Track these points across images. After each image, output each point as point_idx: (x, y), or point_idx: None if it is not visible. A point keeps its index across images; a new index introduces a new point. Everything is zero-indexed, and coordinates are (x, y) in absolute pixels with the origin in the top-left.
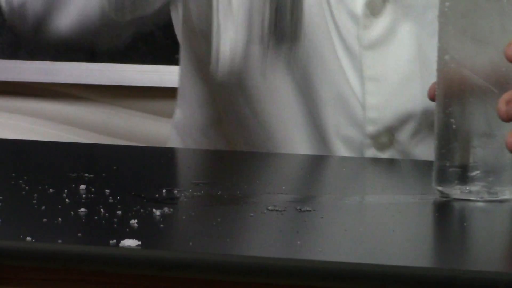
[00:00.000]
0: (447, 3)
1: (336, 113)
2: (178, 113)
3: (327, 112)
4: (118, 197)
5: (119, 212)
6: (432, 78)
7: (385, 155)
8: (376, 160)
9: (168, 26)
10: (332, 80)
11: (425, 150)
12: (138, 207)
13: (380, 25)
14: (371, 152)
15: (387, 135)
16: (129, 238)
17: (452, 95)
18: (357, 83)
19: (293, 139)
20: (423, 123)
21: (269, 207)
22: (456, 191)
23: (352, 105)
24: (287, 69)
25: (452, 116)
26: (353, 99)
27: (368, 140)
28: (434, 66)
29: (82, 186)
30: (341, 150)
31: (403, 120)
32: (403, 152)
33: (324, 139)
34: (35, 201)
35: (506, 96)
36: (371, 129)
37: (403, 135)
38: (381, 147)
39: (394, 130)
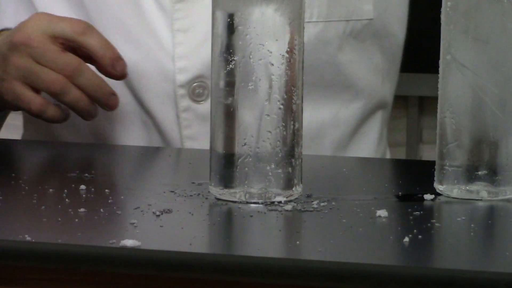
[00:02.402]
0: (449, 3)
1: (147, 70)
2: None
3: (138, 70)
4: (118, 197)
5: (119, 212)
6: None
7: (202, 106)
8: (375, 160)
9: None
10: (141, 38)
11: None
12: (138, 207)
13: None
14: (186, 103)
15: (201, 86)
16: (129, 238)
17: (452, 95)
18: (168, 37)
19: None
20: None
21: (269, 208)
22: (456, 191)
23: (162, 59)
24: None
25: (453, 116)
26: (162, 54)
27: (181, 91)
28: None
29: (82, 186)
30: (156, 104)
31: None
32: None
33: (141, 99)
34: (35, 201)
35: None
36: (181, 77)
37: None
38: (196, 97)
39: (206, 79)
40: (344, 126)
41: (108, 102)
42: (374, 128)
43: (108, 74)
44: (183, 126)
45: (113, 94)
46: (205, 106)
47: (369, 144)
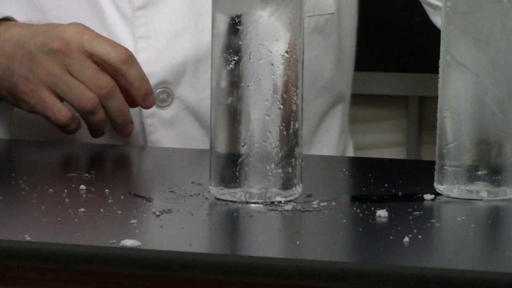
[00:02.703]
0: (448, 3)
1: None
2: None
3: None
4: (118, 197)
5: (119, 212)
6: (204, 32)
7: (166, 112)
8: (374, 160)
9: None
10: None
11: None
12: (138, 207)
13: None
14: (150, 109)
15: (164, 91)
16: (129, 238)
17: (452, 95)
18: (130, 44)
19: None
20: (201, 78)
21: (269, 208)
22: (456, 191)
23: None
24: None
25: (453, 116)
26: None
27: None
28: (206, 20)
29: (82, 186)
30: None
31: (177, 74)
32: (189, 109)
33: None
34: (35, 201)
35: None
36: None
37: (182, 90)
38: (160, 103)
39: (170, 85)
40: (308, 123)
41: (125, 129)
42: (335, 122)
43: (135, 105)
44: (148, 131)
45: (131, 122)
46: (169, 112)
47: (331, 139)
